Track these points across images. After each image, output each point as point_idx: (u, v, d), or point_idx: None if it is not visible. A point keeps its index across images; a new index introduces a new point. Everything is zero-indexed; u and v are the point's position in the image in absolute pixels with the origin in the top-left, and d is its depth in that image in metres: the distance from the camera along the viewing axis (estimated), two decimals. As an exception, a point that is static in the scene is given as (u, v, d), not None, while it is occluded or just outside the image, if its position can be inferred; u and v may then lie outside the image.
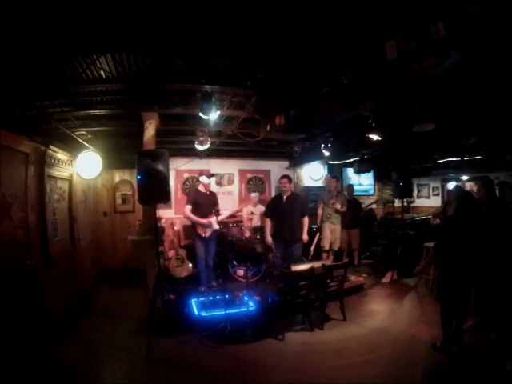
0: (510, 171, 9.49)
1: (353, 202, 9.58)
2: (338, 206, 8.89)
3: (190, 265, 7.81)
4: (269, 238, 7.30)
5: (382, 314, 6.35)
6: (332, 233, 8.97)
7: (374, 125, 5.83)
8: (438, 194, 12.72)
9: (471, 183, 10.83)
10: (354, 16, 3.26)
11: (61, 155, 6.63)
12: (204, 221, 7.01)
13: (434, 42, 2.80)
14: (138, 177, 4.88)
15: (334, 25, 3.44)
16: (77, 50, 3.96)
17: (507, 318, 4.61)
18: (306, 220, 7.11)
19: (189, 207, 7.05)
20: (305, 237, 7.07)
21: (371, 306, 6.86)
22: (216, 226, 7.14)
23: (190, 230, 7.50)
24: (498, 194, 6.18)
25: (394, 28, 3.15)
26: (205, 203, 7.12)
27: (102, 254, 9.50)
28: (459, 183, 11.15)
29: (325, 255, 8.94)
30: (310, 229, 7.49)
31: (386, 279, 8.31)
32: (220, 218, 7.16)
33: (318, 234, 8.96)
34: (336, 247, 9.02)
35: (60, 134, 6.33)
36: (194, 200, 7.10)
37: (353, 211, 9.32)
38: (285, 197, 7.10)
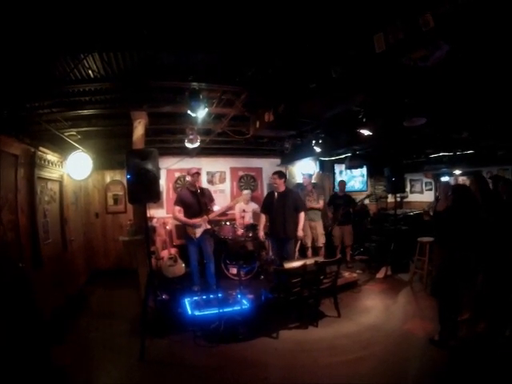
0: (502, 165, 9.54)
1: (344, 198, 9.54)
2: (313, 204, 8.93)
3: (183, 264, 7.72)
4: (261, 234, 7.27)
5: (377, 310, 6.36)
6: (312, 229, 8.95)
7: (364, 120, 5.81)
8: (431, 189, 12.76)
9: (464, 178, 10.86)
10: (342, 9, 3.23)
11: (51, 156, 6.59)
12: (191, 221, 6.84)
13: (422, 34, 2.78)
14: (128, 176, 4.87)
15: (322, 18, 3.41)
16: (64, 49, 3.91)
17: (497, 310, 4.61)
18: (301, 216, 7.00)
19: (177, 208, 6.93)
20: (300, 233, 6.97)
21: (366, 302, 6.87)
22: (206, 226, 6.96)
23: (182, 230, 7.43)
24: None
25: (382, 21, 3.13)
26: (193, 202, 6.91)
27: (95, 255, 9.45)
28: (451, 178, 11.20)
29: (308, 253, 8.88)
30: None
31: (380, 275, 8.33)
32: (211, 215, 7.01)
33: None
34: (321, 243, 8.99)
35: (50, 135, 6.26)
36: (181, 200, 6.96)
37: (345, 207, 9.25)
38: (276, 193, 7.03)
